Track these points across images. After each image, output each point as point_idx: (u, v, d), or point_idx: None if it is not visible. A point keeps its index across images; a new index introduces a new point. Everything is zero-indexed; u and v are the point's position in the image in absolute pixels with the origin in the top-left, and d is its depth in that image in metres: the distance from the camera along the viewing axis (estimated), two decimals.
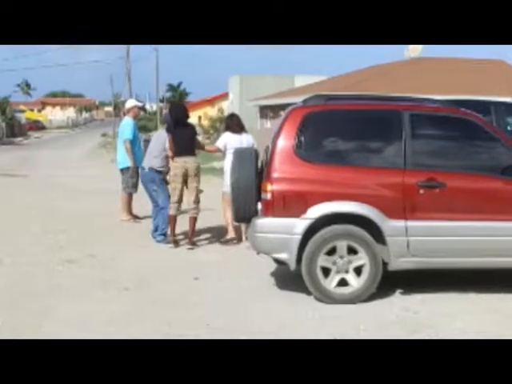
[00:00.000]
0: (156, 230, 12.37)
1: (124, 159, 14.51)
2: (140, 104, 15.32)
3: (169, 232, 11.99)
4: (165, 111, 21.64)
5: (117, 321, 7.70)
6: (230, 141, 12.11)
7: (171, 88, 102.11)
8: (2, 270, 10.11)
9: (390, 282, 8.80)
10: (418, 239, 8.44)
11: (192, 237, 11.81)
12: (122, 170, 14.72)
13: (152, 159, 12.38)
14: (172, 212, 11.84)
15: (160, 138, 12.38)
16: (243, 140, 12.08)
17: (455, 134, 8.89)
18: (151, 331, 7.29)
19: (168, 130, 12.06)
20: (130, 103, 15.16)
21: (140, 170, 13.12)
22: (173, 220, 11.86)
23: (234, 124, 12.41)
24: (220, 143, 12.37)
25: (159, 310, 8.14)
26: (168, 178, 12.16)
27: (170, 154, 11.93)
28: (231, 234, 12.28)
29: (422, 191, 8.43)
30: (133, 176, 14.38)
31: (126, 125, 14.60)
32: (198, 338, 7.04)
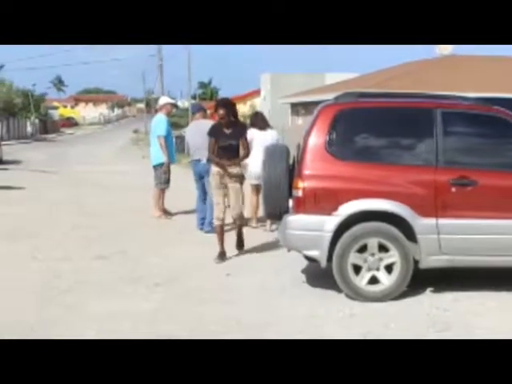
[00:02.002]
0: (202, 221, 12.68)
1: (157, 155, 14.64)
2: (172, 101, 15.76)
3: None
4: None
5: (146, 317, 7.73)
6: (255, 136, 12.74)
7: (202, 85, 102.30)
8: (35, 266, 10.18)
9: (421, 280, 8.76)
10: (449, 237, 8.39)
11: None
12: (155, 166, 14.83)
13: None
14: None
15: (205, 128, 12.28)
16: (268, 136, 12.92)
17: (487, 131, 8.82)
18: (180, 328, 7.31)
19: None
20: (163, 100, 15.49)
21: (194, 162, 13.14)
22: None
23: (258, 120, 13.32)
24: (276, 137, 13.29)
25: (189, 306, 8.15)
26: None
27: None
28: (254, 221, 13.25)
29: (453, 189, 8.39)
30: (166, 172, 14.55)
31: (160, 121, 14.78)
32: (227, 334, 7.07)
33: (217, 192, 10.62)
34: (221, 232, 10.64)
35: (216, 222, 10.64)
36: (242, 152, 10.70)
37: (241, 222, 10.90)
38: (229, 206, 10.75)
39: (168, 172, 14.60)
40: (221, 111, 10.54)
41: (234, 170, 10.58)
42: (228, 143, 10.56)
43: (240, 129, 10.81)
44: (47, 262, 10.45)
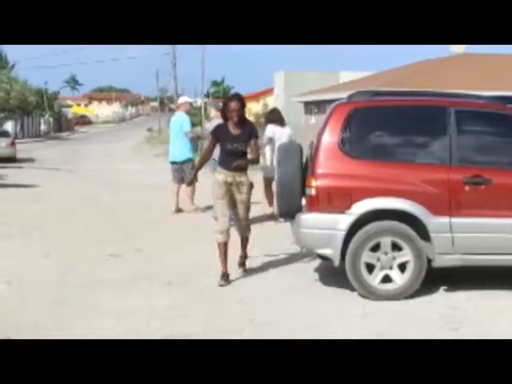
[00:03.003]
0: None
1: (184, 152, 14.87)
2: (191, 100, 16.66)
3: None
4: (209, 106, 21.89)
5: (160, 315, 7.75)
6: (277, 133, 13.31)
7: (215, 84, 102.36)
8: (49, 264, 10.23)
9: (435, 278, 8.75)
10: (463, 236, 8.38)
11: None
12: (182, 163, 15.10)
13: None
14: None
15: None
16: (284, 132, 13.40)
17: (501, 130, 8.80)
18: (194, 326, 7.33)
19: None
20: (182, 99, 16.18)
21: (212, 160, 13.34)
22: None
23: (276, 117, 13.63)
24: (270, 134, 13.51)
25: (203, 304, 8.17)
26: None
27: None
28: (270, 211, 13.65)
29: (467, 188, 8.37)
30: (192, 167, 14.71)
31: (184, 119, 15.23)
32: (240, 332, 7.09)
33: (221, 202, 9.22)
34: (224, 249, 9.20)
35: (219, 238, 9.16)
36: (249, 156, 9.41)
37: (247, 235, 9.68)
38: (232, 218, 9.43)
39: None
40: (232, 104, 9.14)
41: (241, 178, 9.26)
42: (235, 147, 9.16)
43: (250, 130, 9.32)
44: (61, 259, 10.49)
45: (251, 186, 9.42)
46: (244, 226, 9.62)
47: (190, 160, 15.03)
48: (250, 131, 9.31)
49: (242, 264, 9.71)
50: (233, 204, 9.33)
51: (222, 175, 9.24)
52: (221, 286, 8.95)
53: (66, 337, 6.75)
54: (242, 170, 9.26)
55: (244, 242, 9.76)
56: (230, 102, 9.24)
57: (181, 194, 15.24)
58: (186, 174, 14.96)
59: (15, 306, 8.06)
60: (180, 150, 15.12)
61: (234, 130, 9.19)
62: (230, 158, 9.15)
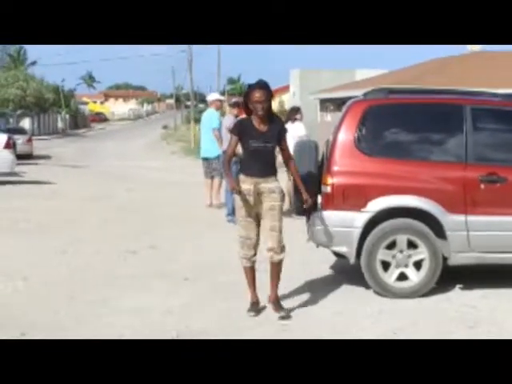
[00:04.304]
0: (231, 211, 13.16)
1: (214, 147, 15.14)
2: (221, 97, 17.20)
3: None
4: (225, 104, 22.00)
5: (175, 312, 7.78)
6: (300, 131, 13.90)
7: (231, 81, 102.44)
8: (65, 260, 10.27)
9: (450, 277, 8.74)
10: (479, 234, 8.36)
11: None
12: (213, 159, 15.37)
13: None
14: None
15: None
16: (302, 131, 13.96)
17: None
18: (209, 323, 7.36)
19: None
20: (212, 96, 16.48)
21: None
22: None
23: (301, 115, 14.22)
24: (303, 132, 13.98)
25: (219, 301, 8.18)
26: None
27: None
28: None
29: (482, 185, 8.36)
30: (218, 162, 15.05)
31: (213, 115, 15.50)
32: (256, 329, 7.11)
33: (246, 221, 7.59)
34: (251, 275, 7.79)
35: (244, 262, 7.74)
36: (286, 161, 7.86)
37: (280, 258, 7.66)
38: (257, 236, 7.69)
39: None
40: (256, 93, 7.42)
41: (271, 184, 7.55)
42: (263, 145, 7.49)
43: (280, 126, 7.71)
44: (77, 256, 10.53)
45: (283, 194, 7.72)
46: (276, 243, 7.57)
47: (220, 156, 15.12)
48: (279, 127, 7.66)
49: (278, 309, 7.67)
50: (259, 219, 7.62)
51: (246, 184, 7.49)
52: (250, 316, 7.57)
53: (81, 333, 6.81)
54: (272, 173, 7.61)
55: (275, 272, 7.71)
56: (254, 91, 7.47)
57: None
58: (217, 167, 15.20)
59: (31, 302, 8.11)
60: (210, 145, 15.35)
61: (259, 126, 7.51)
62: (255, 161, 7.49)
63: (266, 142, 7.49)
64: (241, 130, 7.59)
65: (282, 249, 7.63)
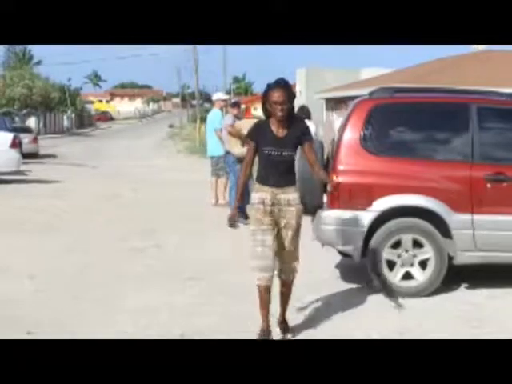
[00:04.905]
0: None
1: (219, 146, 15.16)
2: (224, 97, 17.21)
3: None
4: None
5: (180, 311, 7.78)
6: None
7: (236, 80, 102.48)
8: (71, 258, 10.28)
9: (456, 276, 8.73)
10: (485, 233, 8.36)
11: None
12: (219, 157, 15.43)
13: None
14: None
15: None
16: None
17: None
18: (214, 322, 7.36)
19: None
20: (216, 96, 16.77)
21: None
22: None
23: (309, 113, 13.85)
24: (313, 130, 13.94)
25: (224, 301, 8.17)
26: None
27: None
28: None
29: (489, 185, 8.35)
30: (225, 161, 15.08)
31: (215, 115, 15.75)
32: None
33: (262, 229, 6.67)
34: (265, 297, 6.76)
35: (260, 280, 6.69)
36: (312, 167, 6.95)
37: (291, 278, 7.00)
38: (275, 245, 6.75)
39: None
40: (275, 93, 6.58)
41: (289, 194, 6.76)
42: (278, 153, 6.65)
43: (301, 130, 6.79)
44: (83, 254, 10.54)
45: (302, 208, 6.92)
46: (289, 264, 6.90)
47: (225, 154, 15.18)
48: (300, 131, 6.76)
49: (285, 330, 7.04)
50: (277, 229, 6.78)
51: (262, 193, 6.71)
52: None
53: (86, 332, 6.82)
54: (290, 183, 6.78)
55: (285, 291, 7.02)
56: (272, 90, 6.64)
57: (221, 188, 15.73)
58: (222, 168, 15.34)
59: (36, 301, 8.12)
60: (215, 145, 15.46)
61: (278, 131, 6.68)
62: (270, 170, 6.69)
63: (283, 150, 6.63)
64: (257, 135, 6.72)
65: (295, 268, 6.92)
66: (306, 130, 6.81)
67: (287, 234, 6.76)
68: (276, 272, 6.80)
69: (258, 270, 6.64)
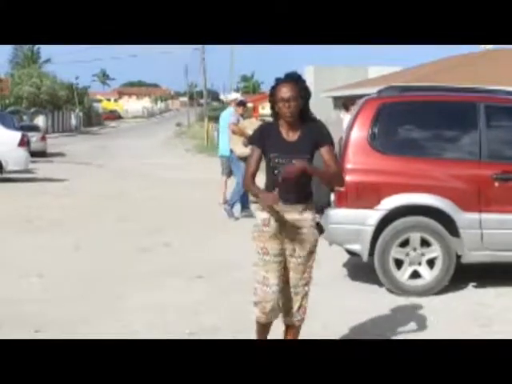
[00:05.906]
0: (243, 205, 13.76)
1: (229, 146, 15.12)
2: (240, 98, 17.11)
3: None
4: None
5: (189, 309, 7.79)
6: None
7: (244, 79, 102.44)
8: (79, 257, 10.31)
9: (464, 275, 8.72)
10: (492, 232, 8.35)
11: None
12: (230, 157, 15.29)
13: None
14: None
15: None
16: None
17: None
18: (223, 321, 7.37)
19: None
20: (233, 96, 17.06)
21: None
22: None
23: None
24: None
25: (233, 299, 8.17)
26: None
27: None
28: None
29: (497, 183, 8.34)
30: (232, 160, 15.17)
31: (231, 113, 15.49)
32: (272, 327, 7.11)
33: (264, 259, 5.56)
34: (263, 332, 5.80)
35: (259, 317, 5.70)
36: (328, 170, 5.55)
37: (299, 323, 5.82)
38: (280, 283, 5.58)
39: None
40: (283, 89, 5.45)
41: (299, 215, 5.54)
42: (287, 161, 5.42)
43: (316, 132, 5.57)
44: (90, 253, 10.57)
45: (320, 230, 5.76)
46: (297, 306, 5.72)
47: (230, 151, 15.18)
48: (316, 133, 5.56)
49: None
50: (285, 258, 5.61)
51: (267, 212, 5.53)
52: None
53: (94, 331, 6.84)
54: (302, 200, 5.53)
55: (291, 337, 5.86)
56: (279, 86, 5.51)
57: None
58: (229, 166, 15.27)
59: (44, 299, 8.13)
60: (227, 143, 15.29)
61: (287, 134, 5.53)
62: (278, 181, 5.44)
63: (293, 156, 5.40)
64: (262, 139, 5.55)
65: (303, 310, 5.76)
66: (323, 130, 5.62)
67: (296, 266, 5.60)
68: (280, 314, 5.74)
69: (259, 310, 5.65)
